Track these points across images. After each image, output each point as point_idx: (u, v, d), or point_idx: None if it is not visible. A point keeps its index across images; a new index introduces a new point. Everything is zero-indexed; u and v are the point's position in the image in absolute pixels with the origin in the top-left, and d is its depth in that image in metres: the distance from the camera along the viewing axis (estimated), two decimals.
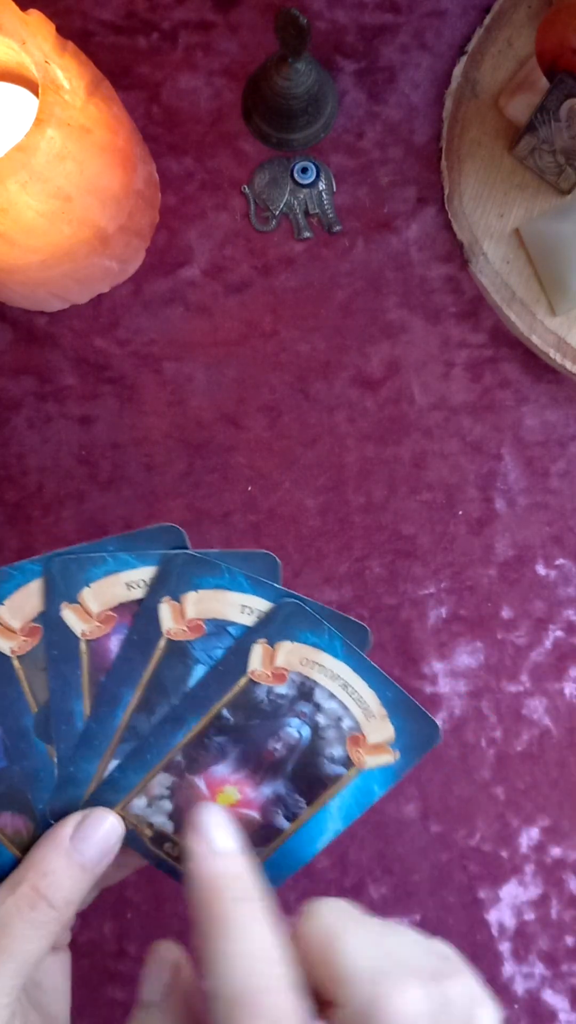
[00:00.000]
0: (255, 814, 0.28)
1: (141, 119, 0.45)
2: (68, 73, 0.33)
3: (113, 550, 0.27)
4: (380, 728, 0.27)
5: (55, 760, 0.27)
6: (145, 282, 0.45)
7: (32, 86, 0.39)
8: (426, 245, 0.45)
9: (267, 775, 0.27)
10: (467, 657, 0.45)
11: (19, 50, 0.32)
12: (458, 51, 0.45)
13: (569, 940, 0.44)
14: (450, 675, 0.45)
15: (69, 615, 0.26)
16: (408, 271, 0.45)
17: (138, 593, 0.27)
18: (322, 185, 0.45)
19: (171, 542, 0.27)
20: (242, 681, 0.27)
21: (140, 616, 0.27)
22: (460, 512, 0.45)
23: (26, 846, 0.27)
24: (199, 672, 0.27)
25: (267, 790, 0.28)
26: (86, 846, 0.26)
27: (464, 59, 0.44)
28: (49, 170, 0.33)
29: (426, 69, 0.45)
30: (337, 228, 0.45)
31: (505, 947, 0.44)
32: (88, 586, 0.26)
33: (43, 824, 0.27)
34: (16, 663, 0.27)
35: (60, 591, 0.26)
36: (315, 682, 0.27)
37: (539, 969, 0.44)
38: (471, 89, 0.44)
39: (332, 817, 0.28)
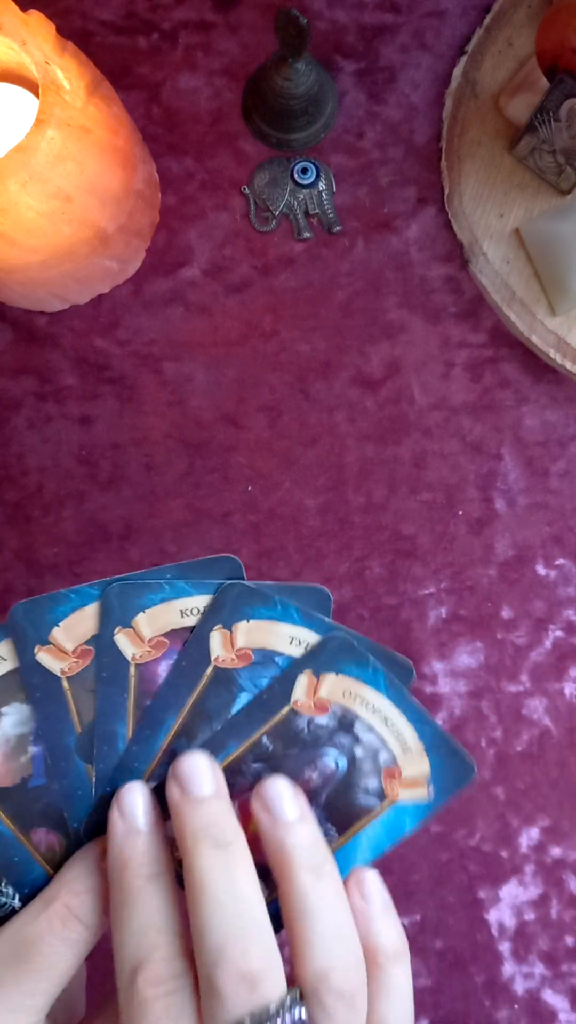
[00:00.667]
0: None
1: (141, 119, 0.45)
2: (68, 73, 0.33)
3: (171, 578, 0.27)
4: (417, 763, 0.27)
5: (93, 780, 0.27)
6: (145, 282, 0.45)
7: (32, 86, 0.39)
8: (426, 245, 0.45)
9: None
10: (467, 657, 0.45)
11: (19, 50, 0.32)
12: (458, 51, 0.45)
13: (569, 940, 0.44)
14: (450, 675, 0.45)
15: (122, 639, 0.27)
16: (408, 271, 0.45)
17: (191, 621, 0.27)
18: (322, 185, 0.45)
19: (228, 572, 0.27)
20: (284, 710, 0.27)
21: (191, 643, 0.27)
22: (460, 512, 0.45)
23: (58, 863, 0.27)
24: (243, 700, 0.27)
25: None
26: None
27: (464, 59, 0.44)
28: (49, 170, 0.33)
29: (426, 69, 0.45)
30: (337, 228, 0.45)
31: (505, 947, 0.44)
32: (143, 612, 0.27)
33: (76, 842, 0.27)
34: (65, 683, 0.27)
35: (116, 616, 0.27)
36: (356, 715, 0.27)
37: (539, 969, 0.44)
38: (471, 89, 0.44)
39: (361, 848, 0.28)
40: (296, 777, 0.27)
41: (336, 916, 0.24)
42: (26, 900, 0.27)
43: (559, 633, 0.45)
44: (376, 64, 0.45)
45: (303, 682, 0.27)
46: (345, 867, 0.28)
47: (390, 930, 0.26)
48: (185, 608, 0.27)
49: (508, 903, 0.45)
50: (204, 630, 0.27)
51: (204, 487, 0.45)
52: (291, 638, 0.27)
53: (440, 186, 0.45)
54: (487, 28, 0.44)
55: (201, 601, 0.27)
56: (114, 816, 0.26)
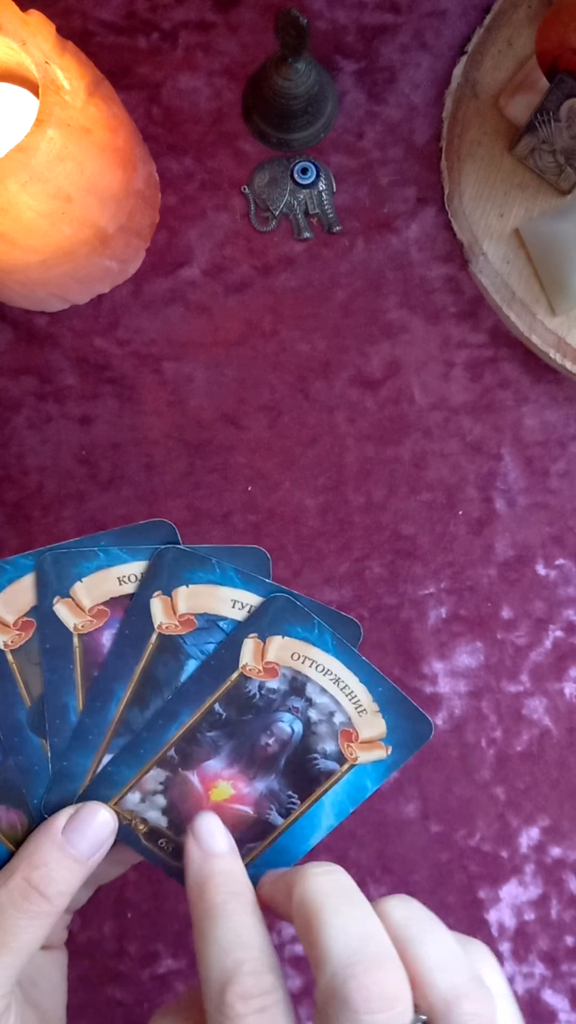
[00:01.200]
0: (249, 809, 0.28)
1: (141, 119, 0.45)
2: (68, 73, 0.33)
3: (105, 545, 0.27)
4: (372, 723, 0.27)
5: (48, 755, 0.27)
6: (145, 282, 0.45)
7: (32, 86, 0.39)
8: (426, 245, 0.45)
9: (260, 770, 0.28)
10: (467, 657, 0.45)
11: (19, 50, 0.32)
12: (458, 51, 0.45)
13: (569, 940, 0.44)
14: (450, 675, 0.45)
15: (62, 609, 0.27)
16: (408, 271, 0.45)
17: (130, 588, 0.27)
18: (322, 185, 0.45)
19: (163, 537, 0.27)
20: (234, 676, 0.27)
21: (132, 611, 0.27)
22: (460, 512, 0.45)
23: (20, 841, 0.27)
24: (191, 667, 0.27)
25: (260, 785, 0.28)
26: (79, 838, 0.26)
27: (464, 59, 0.44)
28: (49, 170, 0.33)
29: (426, 69, 0.45)
30: (337, 228, 0.45)
31: (505, 947, 0.44)
32: (80, 581, 0.27)
33: (38, 819, 0.27)
34: (10, 657, 0.27)
35: (52, 585, 0.26)
36: (307, 677, 0.27)
37: (539, 969, 0.44)
38: (471, 89, 0.44)
39: (325, 813, 0.28)
40: (253, 743, 0.27)
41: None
42: None
43: (559, 633, 0.45)
44: (376, 64, 0.45)
45: (250, 646, 0.27)
46: (311, 832, 0.28)
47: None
48: (123, 575, 0.27)
49: (508, 903, 0.45)
50: (144, 597, 0.27)
51: (204, 487, 0.45)
52: (233, 601, 0.27)
53: (440, 186, 0.45)
54: (487, 28, 0.44)
55: (138, 567, 0.27)
56: (191, 845, 0.26)
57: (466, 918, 0.45)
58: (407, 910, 0.23)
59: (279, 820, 0.28)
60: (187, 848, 0.26)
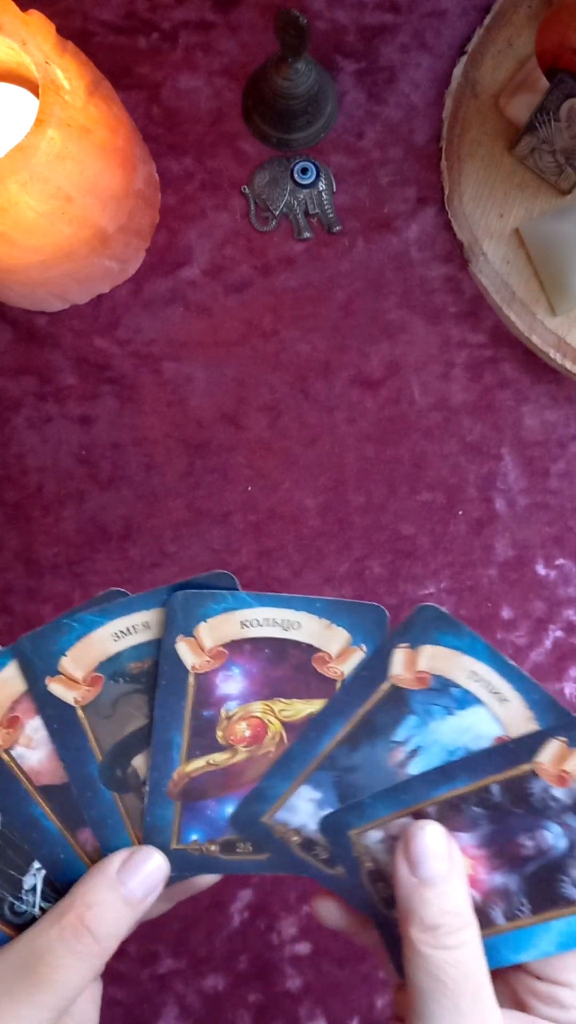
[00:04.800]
0: (477, 895, 0.27)
1: (141, 119, 0.45)
2: (68, 73, 0.33)
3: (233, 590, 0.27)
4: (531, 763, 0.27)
5: (146, 789, 0.27)
6: (145, 282, 0.45)
7: (32, 86, 0.39)
8: (426, 245, 0.45)
9: (505, 866, 0.27)
10: None
11: (19, 50, 0.32)
12: (458, 51, 0.45)
13: None
14: None
15: (183, 648, 0.27)
16: (408, 271, 0.45)
17: (252, 632, 0.27)
18: (322, 185, 0.45)
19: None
20: (526, 767, 0.26)
21: (374, 657, 0.27)
22: (460, 512, 0.45)
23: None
24: (411, 722, 0.27)
25: (498, 879, 0.27)
26: (132, 881, 0.26)
27: (464, 59, 0.44)
28: (49, 170, 0.33)
29: (426, 69, 0.45)
30: (337, 228, 0.45)
31: None
32: (205, 621, 0.26)
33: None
34: (80, 712, 0.27)
35: (179, 624, 0.26)
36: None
37: None
38: (471, 89, 0.44)
39: (548, 937, 0.27)
40: (511, 838, 0.27)
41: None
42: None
43: (559, 633, 0.45)
44: (376, 64, 0.45)
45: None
46: (525, 947, 0.27)
47: None
48: (246, 619, 0.27)
49: None
50: (389, 646, 0.26)
51: (204, 487, 0.45)
52: (472, 672, 0.26)
53: (440, 186, 0.45)
54: (487, 28, 0.44)
55: (262, 613, 0.27)
56: (400, 864, 0.25)
57: None
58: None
59: (501, 920, 0.27)
60: (396, 866, 0.25)
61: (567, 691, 0.45)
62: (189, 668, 0.27)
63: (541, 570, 0.45)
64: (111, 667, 0.27)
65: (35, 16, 0.32)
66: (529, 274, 0.43)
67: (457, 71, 0.44)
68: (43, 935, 0.25)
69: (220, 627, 0.27)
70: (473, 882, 0.27)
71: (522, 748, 0.26)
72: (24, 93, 0.40)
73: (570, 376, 0.44)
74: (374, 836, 0.27)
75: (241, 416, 0.45)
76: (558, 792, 0.26)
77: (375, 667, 0.27)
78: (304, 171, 0.45)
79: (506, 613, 0.45)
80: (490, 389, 0.45)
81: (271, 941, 0.45)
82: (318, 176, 0.45)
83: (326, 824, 0.27)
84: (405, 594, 0.45)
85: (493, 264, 0.43)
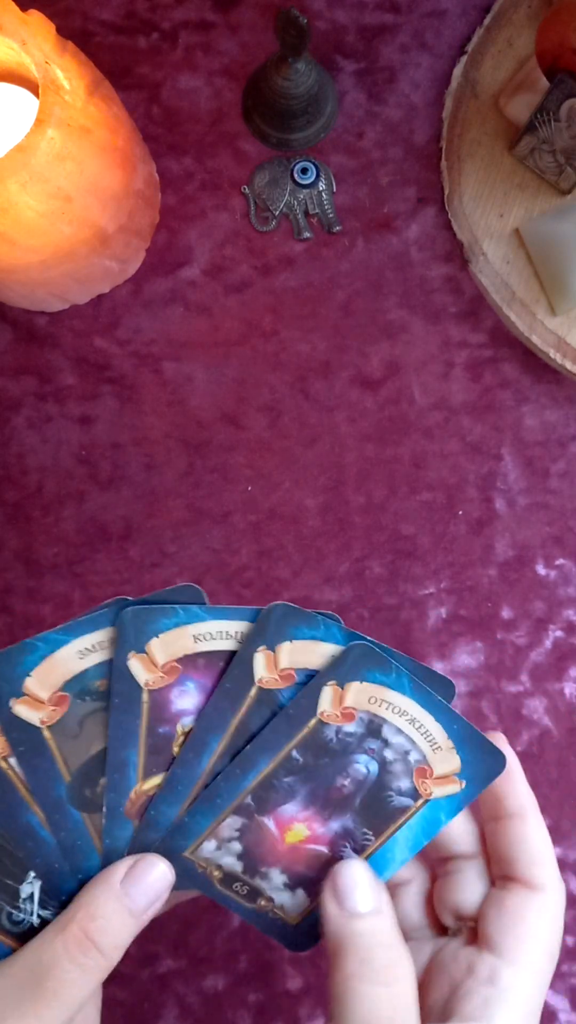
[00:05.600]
0: (324, 849, 0.28)
1: (141, 119, 0.45)
2: (68, 73, 0.33)
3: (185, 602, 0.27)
4: (447, 760, 0.28)
5: (104, 811, 0.27)
6: (145, 282, 0.45)
7: (32, 86, 0.39)
8: (426, 245, 0.45)
9: (335, 811, 0.28)
10: (467, 657, 0.45)
11: (19, 50, 0.32)
12: (458, 51, 0.45)
13: (569, 940, 0.44)
14: (450, 675, 0.45)
15: (135, 664, 0.26)
16: (408, 271, 0.45)
17: (204, 646, 0.27)
18: (322, 185, 0.45)
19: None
20: (312, 722, 0.27)
21: (235, 665, 0.27)
22: (460, 512, 0.45)
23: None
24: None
25: (335, 825, 0.28)
26: (136, 891, 0.26)
27: (464, 59, 0.44)
28: (49, 170, 0.33)
29: (426, 69, 0.45)
30: (337, 228, 0.45)
31: None
32: (157, 636, 0.26)
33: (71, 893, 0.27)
34: (47, 733, 0.26)
35: (130, 641, 0.26)
36: (383, 719, 0.27)
37: None
38: (471, 89, 0.44)
39: (399, 847, 0.28)
40: (328, 786, 0.27)
41: None
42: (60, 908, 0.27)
43: (559, 633, 0.45)
44: (376, 64, 0.45)
45: (328, 693, 0.27)
46: (385, 866, 0.28)
47: None
48: (198, 633, 0.27)
49: None
50: (247, 652, 0.27)
51: (204, 487, 0.45)
52: (332, 657, 0.27)
53: (440, 186, 0.45)
54: (487, 28, 0.44)
55: (215, 626, 0.27)
56: (328, 901, 0.26)
57: None
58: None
59: (354, 856, 0.28)
60: (324, 903, 0.26)
61: (567, 691, 0.45)
62: (142, 685, 0.26)
63: (541, 570, 0.45)
64: (77, 685, 0.26)
65: (35, 16, 0.32)
66: (529, 274, 0.43)
67: (457, 71, 0.44)
68: (48, 948, 0.25)
69: (172, 642, 0.26)
70: (315, 838, 0.28)
71: (300, 709, 0.27)
72: (24, 93, 0.40)
73: (570, 376, 0.44)
74: (208, 847, 0.28)
75: (241, 416, 0.45)
76: (349, 728, 0.27)
77: (240, 677, 0.27)
78: (304, 171, 0.45)
79: (506, 613, 0.45)
80: (490, 389, 0.45)
81: (271, 941, 0.45)
82: (318, 176, 0.45)
83: (164, 855, 0.27)
84: (405, 594, 0.45)
85: (493, 264, 0.43)
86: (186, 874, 0.28)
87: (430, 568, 0.45)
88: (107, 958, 0.25)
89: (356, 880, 0.26)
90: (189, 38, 0.45)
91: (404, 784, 0.28)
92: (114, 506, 0.45)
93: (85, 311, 0.45)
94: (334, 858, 0.28)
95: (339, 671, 0.27)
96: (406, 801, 0.28)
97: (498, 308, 0.44)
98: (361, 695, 0.27)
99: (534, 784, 0.45)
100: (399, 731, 0.27)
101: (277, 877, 0.28)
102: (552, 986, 0.44)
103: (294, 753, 0.27)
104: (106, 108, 0.35)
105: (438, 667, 0.45)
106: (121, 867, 0.26)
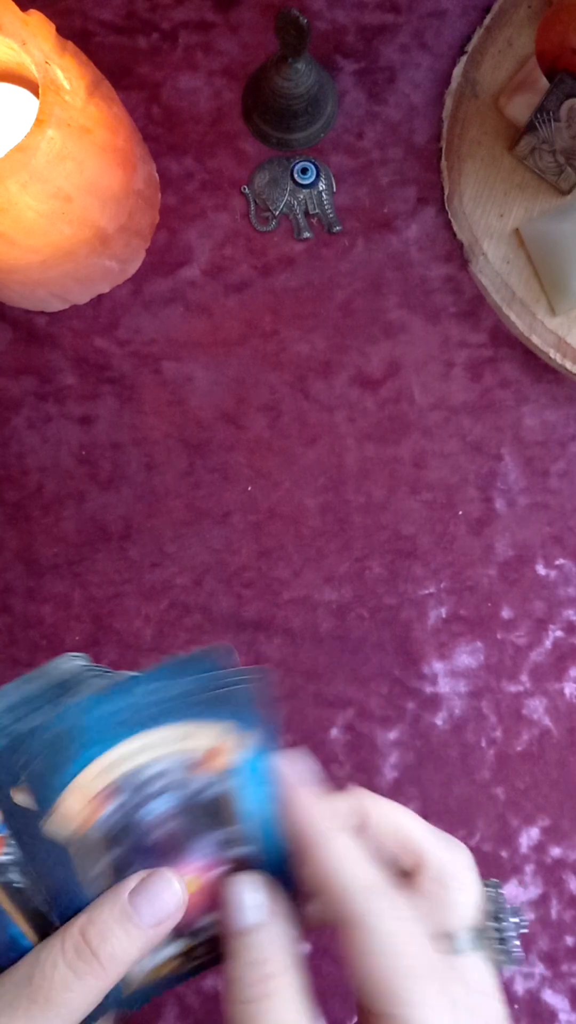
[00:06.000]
0: (220, 869, 0.27)
1: (141, 119, 0.45)
2: (68, 73, 0.33)
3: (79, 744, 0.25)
4: (204, 734, 0.26)
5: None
6: (145, 282, 0.45)
7: (32, 86, 0.39)
8: (426, 245, 0.45)
9: (187, 848, 0.27)
10: (467, 657, 0.45)
11: (19, 50, 0.32)
12: (458, 51, 0.45)
13: (569, 940, 0.44)
14: (450, 675, 0.45)
15: (54, 823, 0.25)
16: (408, 271, 0.45)
17: (115, 773, 0.26)
18: (322, 185, 0.45)
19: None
20: (76, 840, 0.26)
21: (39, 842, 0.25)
22: (460, 512, 0.45)
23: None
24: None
25: (198, 853, 0.27)
26: (143, 904, 0.26)
27: (464, 59, 0.44)
28: (49, 170, 0.33)
29: (426, 69, 0.45)
30: (337, 228, 0.45)
31: None
32: (65, 790, 0.25)
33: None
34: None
35: (44, 808, 0.25)
36: (135, 769, 0.26)
37: (539, 969, 0.44)
38: (471, 89, 0.44)
39: (258, 812, 0.27)
40: (155, 843, 0.26)
41: None
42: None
43: (559, 633, 0.45)
44: (376, 64, 0.45)
45: (61, 807, 0.25)
46: (270, 832, 0.27)
47: None
48: (104, 767, 0.25)
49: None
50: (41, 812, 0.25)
51: (204, 487, 0.45)
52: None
53: (440, 186, 0.45)
54: (487, 28, 0.44)
55: (116, 752, 0.26)
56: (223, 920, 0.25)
57: None
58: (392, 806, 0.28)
59: (243, 850, 0.27)
60: (224, 919, 0.26)
61: (567, 691, 0.45)
62: (67, 840, 0.25)
63: (541, 570, 0.45)
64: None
65: (35, 16, 0.32)
66: (529, 274, 0.43)
67: (457, 71, 0.44)
68: (49, 957, 0.24)
69: (84, 787, 0.25)
70: (204, 871, 0.27)
71: (54, 840, 0.25)
72: (24, 93, 0.40)
73: (570, 376, 0.44)
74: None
75: (241, 416, 0.45)
76: (111, 806, 0.26)
77: (55, 834, 0.25)
78: (304, 171, 0.45)
79: (506, 613, 0.45)
80: (490, 389, 0.45)
81: None
82: (318, 176, 0.45)
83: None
84: (405, 594, 0.45)
85: (493, 264, 0.43)
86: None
87: (430, 568, 0.45)
88: (104, 967, 0.24)
89: (240, 897, 0.26)
90: (189, 38, 0.45)
91: (201, 780, 0.27)
92: (114, 506, 0.45)
93: (85, 311, 0.45)
94: (236, 867, 0.27)
95: (51, 782, 0.25)
96: (217, 789, 0.27)
97: (498, 308, 0.44)
98: (101, 775, 0.26)
99: (534, 784, 0.45)
100: (155, 760, 0.26)
101: (209, 920, 0.27)
102: (552, 986, 0.44)
103: (99, 866, 0.26)
104: (106, 108, 0.35)
105: (438, 667, 0.45)
106: (132, 880, 0.26)
